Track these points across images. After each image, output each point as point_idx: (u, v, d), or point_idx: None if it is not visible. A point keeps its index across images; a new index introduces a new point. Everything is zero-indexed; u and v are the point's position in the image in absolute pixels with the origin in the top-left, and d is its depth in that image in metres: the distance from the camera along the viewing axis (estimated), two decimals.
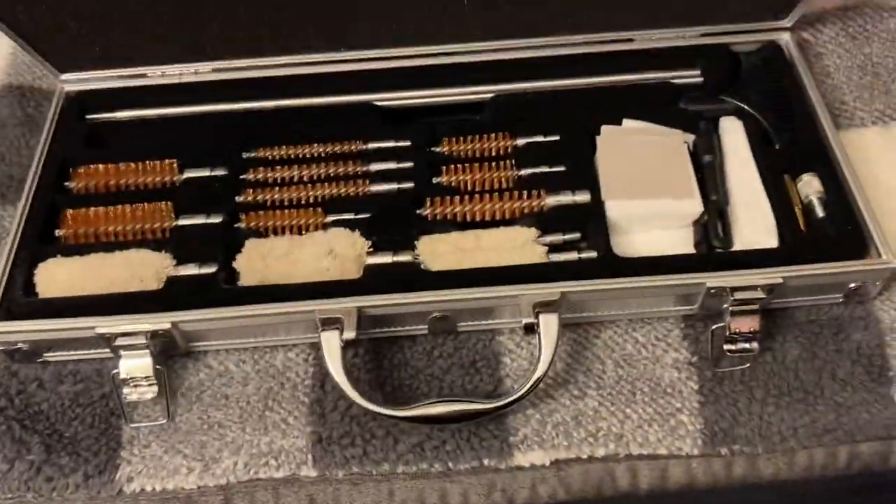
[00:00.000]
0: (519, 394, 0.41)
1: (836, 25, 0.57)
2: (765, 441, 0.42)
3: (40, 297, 0.44)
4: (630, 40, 0.53)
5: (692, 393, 0.43)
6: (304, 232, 0.46)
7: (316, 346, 0.45)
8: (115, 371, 0.43)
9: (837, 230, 0.45)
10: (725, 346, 0.43)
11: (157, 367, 0.43)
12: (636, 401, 0.43)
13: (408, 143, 0.49)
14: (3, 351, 0.44)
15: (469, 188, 0.48)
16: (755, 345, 0.43)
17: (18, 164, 0.53)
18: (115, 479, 0.42)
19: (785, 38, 0.53)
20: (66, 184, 0.49)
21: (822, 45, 0.56)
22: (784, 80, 0.51)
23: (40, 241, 0.46)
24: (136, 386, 0.43)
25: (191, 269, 0.45)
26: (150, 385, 0.43)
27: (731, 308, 0.42)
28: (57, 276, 0.45)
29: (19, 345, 0.44)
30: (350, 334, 0.42)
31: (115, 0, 0.49)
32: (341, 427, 0.42)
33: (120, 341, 0.42)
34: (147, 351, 0.42)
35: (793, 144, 0.48)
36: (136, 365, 0.42)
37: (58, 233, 0.47)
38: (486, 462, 0.42)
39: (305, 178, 0.48)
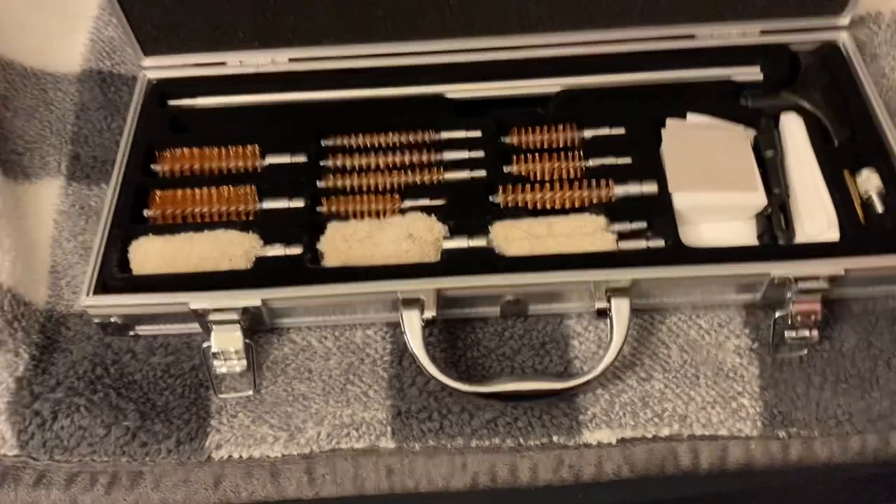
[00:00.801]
0: (593, 374, 0.43)
1: (891, 28, 0.58)
2: (821, 425, 0.44)
3: (134, 273, 0.47)
4: (692, 37, 0.55)
5: (753, 378, 0.45)
6: (382, 217, 0.48)
7: (393, 325, 0.47)
8: (206, 345, 0.45)
9: None
10: (787, 334, 0.45)
11: (247, 341, 0.45)
12: (700, 384, 0.45)
13: (478, 134, 0.51)
14: (97, 324, 0.47)
15: (539, 177, 0.50)
16: (815, 333, 0.45)
17: (101, 145, 0.55)
18: (204, 447, 0.44)
19: (842, 38, 0.55)
20: (153, 166, 0.51)
21: (877, 46, 0.58)
22: (842, 79, 0.53)
23: (131, 220, 0.49)
24: (226, 359, 0.45)
25: (277, 250, 0.47)
26: (239, 359, 0.45)
27: (793, 297, 0.44)
28: (150, 254, 0.47)
29: (113, 318, 0.46)
30: (430, 314, 0.44)
31: None
32: (419, 402, 0.45)
33: (212, 317, 0.44)
34: (238, 326, 0.45)
35: (851, 141, 0.50)
36: (227, 339, 0.45)
37: (147, 213, 0.49)
38: (555, 439, 0.44)
39: (382, 166, 0.50)
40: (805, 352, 0.46)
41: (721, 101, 0.52)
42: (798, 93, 0.52)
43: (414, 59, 0.54)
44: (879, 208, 0.47)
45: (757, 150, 0.50)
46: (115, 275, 0.46)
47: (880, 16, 0.58)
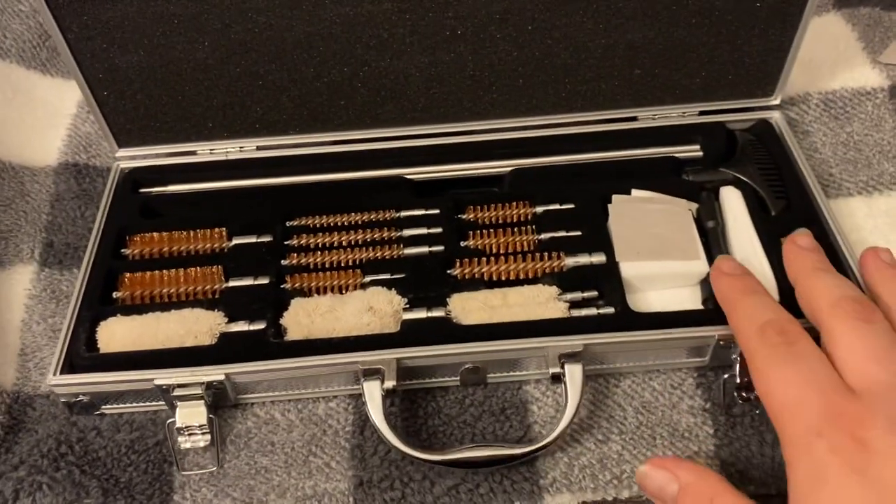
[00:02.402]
0: (550, 438, 0.44)
1: (820, 107, 0.63)
2: (777, 481, 0.45)
3: (101, 352, 0.48)
4: (634, 118, 0.59)
5: (708, 437, 0.46)
6: (344, 291, 0.50)
7: (355, 397, 0.48)
8: (170, 420, 0.46)
9: None
10: (736, 393, 0.46)
11: (210, 416, 0.46)
12: (656, 444, 0.46)
13: (437, 212, 0.54)
14: (64, 403, 0.47)
15: (494, 251, 0.52)
16: None
17: (74, 233, 0.57)
18: None
19: (775, 117, 0.59)
20: (123, 250, 0.53)
21: (807, 123, 0.62)
22: (776, 153, 0.56)
23: (100, 302, 0.50)
24: (190, 434, 0.46)
25: (241, 326, 0.48)
26: (203, 434, 0.46)
27: (738, 358, 0.46)
28: (116, 333, 0.48)
29: (80, 396, 0.47)
30: (390, 383, 0.45)
31: (184, 81, 0.54)
32: (381, 471, 0.45)
33: (177, 392, 0.45)
34: (202, 401, 0.45)
35: (787, 211, 0.53)
36: (191, 414, 0.45)
37: (116, 295, 0.51)
38: None
39: (344, 243, 0.53)
40: (757, 411, 0.47)
41: (663, 177, 0.56)
42: (736, 167, 0.55)
43: (375, 144, 0.58)
44: None
45: (699, 221, 0.53)
46: (82, 354, 0.47)
47: (809, 96, 0.63)
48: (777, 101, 0.59)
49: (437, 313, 0.48)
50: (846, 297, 0.35)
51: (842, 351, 0.33)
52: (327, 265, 0.52)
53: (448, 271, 0.51)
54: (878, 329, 0.34)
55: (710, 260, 0.50)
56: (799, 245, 0.40)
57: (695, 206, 0.54)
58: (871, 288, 0.40)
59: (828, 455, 0.30)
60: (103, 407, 0.48)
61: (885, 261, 0.40)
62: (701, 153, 0.57)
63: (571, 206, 0.54)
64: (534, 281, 0.50)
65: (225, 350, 0.47)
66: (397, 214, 0.54)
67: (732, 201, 0.53)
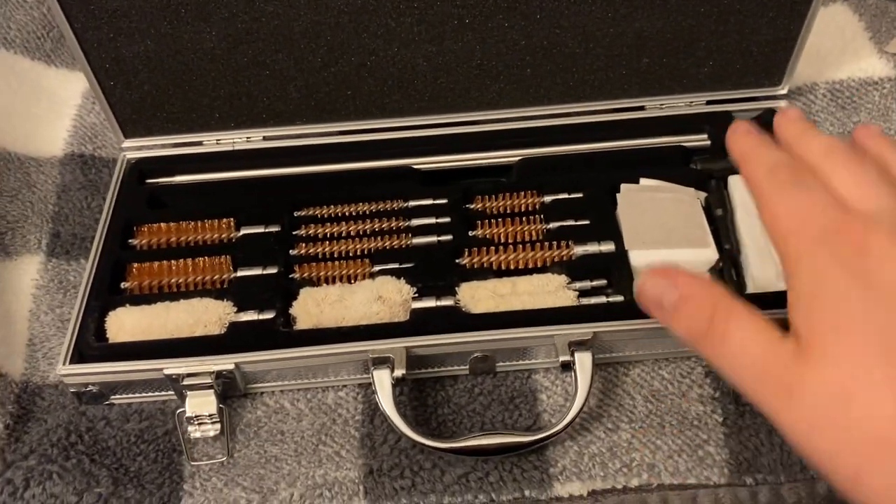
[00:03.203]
0: (560, 426, 0.44)
1: (827, 97, 0.63)
2: (786, 470, 0.45)
3: (110, 342, 0.48)
4: (642, 108, 0.59)
5: (717, 425, 0.46)
6: (353, 281, 0.50)
7: (364, 386, 0.49)
8: (180, 410, 0.46)
9: None
10: None
11: (220, 405, 0.46)
12: (665, 433, 0.46)
13: (444, 201, 0.54)
14: (73, 393, 0.47)
15: (502, 240, 0.52)
16: None
17: (81, 224, 0.57)
18: None
19: (782, 106, 0.59)
20: (130, 241, 0.53)
21: (815, 113, 0.62)
22: None
23: (109, 292, 0.50)
24: (200, 424, 0.46)
25: (250, 316, 0.48)
26: (213, 423, 0.46)
27: None
28: (126, 323, 0.48)
29: (90, 386, 0.47)
30: (400, 372, 0.45)
31: (191, 71, 0.54)
32: (391, 459, 0.45)
33: (187, 381, 0.45)
34: (212, 390, 0.45)
35: None
36: (201, 403, 0.45)
37: (124, 285, 0.51)
38: (527, 493, 0.44)
39: (353, 233, 0.53)
40: None
41: (672, 166, 0.56)
42: None
43: (382, 134, 0.58)
44: None
45: (707, 209, 0.53)
46: (91, 344, 0.47)
47: (816, 86, 0.63)
48: (784, 91, 0.59)
49: (446, 302, 0.48)
50: (837, 146, 0.36)
51: (837, 182, 0.34)
52: (336, 255, 0.52)
53: (457, 260, 0.51)
54: (871, 163, 0.35)
55: (719, 248, 0.50)
56: (789, 117, 0.40)
57: (703, 194, 0.54)
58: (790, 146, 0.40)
59: (829, 262, 0.31)
60: (112, 397, 0.48)
61: (873, 131, 0.39)
62: (709, 142, 0.57)
63: (580, 195, 0.54)
64: (542, 270, 0.50)
65: (234, 339, 0.47)
66: (405, 204, 0.54)
67: (741, 190, 0.53)
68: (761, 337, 0.32)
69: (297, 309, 0.48)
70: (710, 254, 0.50)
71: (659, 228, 0.51)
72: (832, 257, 0.31)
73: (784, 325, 0.32)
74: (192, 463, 0.46)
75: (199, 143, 0.58)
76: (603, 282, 0.49)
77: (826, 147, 0.36)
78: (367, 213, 0.54)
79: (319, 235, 0.53)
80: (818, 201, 0.33)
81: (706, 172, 0.55)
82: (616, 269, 0.49)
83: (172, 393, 0.47)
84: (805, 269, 0.32)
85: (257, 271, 0.51)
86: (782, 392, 0.30)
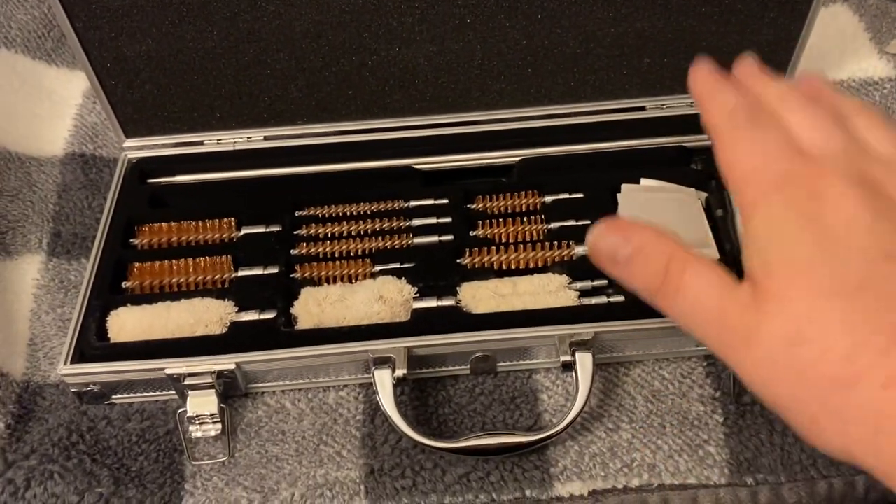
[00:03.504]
0: (561, 426, 0.44)
1: None
2: (787, 470, 0.45)
3: (112, 341, 0.48)
4: (643, 108, 0.59)
5: (718, 425, 0.46)
6: (354, 281, 0.50)
7: (365, 386, 0.49)
8: (181, 410, 0.46)
9: None
10: None
11: (222, 405, 0.46)
12: (666, 433, 0.46)
13: (445, 201, 0.54)
14: (74, 392, 0.47)
15: (503, 240, 0.52)
16: None
17: (82, 223, 0.57)
18: None
19: None
20: (132, 240, 0.53)
21: None
22: None
23: (110, 292, 0.50)
24: (201, 423, 0.46)
25: (252, 315, 0.48)
26: (214, 423, 0.46)
27: None
28: (127, 323, 0.48)
29: (91, 386, 0.47)
30: (401, 372, 0.45)
31: (192, 70, 0.54)
32: (392, 459, 0.45)
33: (188, 381, 0.45)
34: (213, 390, 0.45)
35: None
36: (202, 403, 0.45)
37: (125, 284, 0.51)
38: (528, 493, 0.44)
39: (354, 233, 0.53)
40: None
41: (672, 166, 0.56)
42: None
43: (383, 134, 0.58)
44: None
45: (708, 210, 0.53)
46: (92, 343, 0.47)
47: None
48: None
49: (448, 302, 0.48)
50: (793, 90, 0.36)
51: (794, 126, 0.34)
52: (337, 254, 0.52)
53: (458, 260, 0.51)
54: (825, 106, 0.35)
55: (720, 249, 0.50)
56: (747, 65, 0.39)
57: (704, 194, 0.54)
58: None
59: (784, 207, 0.31)
60: (113, 396, 0.48)
61: (819, 82, 0.39)
62: (710, 142, 0.57)
63: (581, 195, 0.54)
64: (543, 270, 0.50)
65: (235, 339, 0.47)
66: (406, 204, 0.54)
67: None
68: (716, 286, 0.32)
69: (298, 309, 0.48)
70: (711, 254, 0.50)
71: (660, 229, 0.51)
72: (787, 202, 0.31)
73: (741, 275, 0.32)
74: (194, 463, 0.46)
75: (201, 143, 0.58)
76: (604, 282, 0.49)
77: (783, 91, 0.36)
78: (368, 212, 0.54)
79: (320, 235, 0.53)
80: (774, 145, 0.33)
81: (707, 173, 0.55)
82: None
83: (174, 393, 0.47)
84: (760, 215, 0.32)
85: (258, 271, 0.51)
86: (740, 340, 0.30)
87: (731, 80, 0.38)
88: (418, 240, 0.52)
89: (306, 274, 0.50)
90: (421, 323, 0.47)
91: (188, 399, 0.46)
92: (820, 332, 0.28)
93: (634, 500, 0.45)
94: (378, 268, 0.51)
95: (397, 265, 0.50)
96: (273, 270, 0.51)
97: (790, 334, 0.29)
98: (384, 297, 0.48)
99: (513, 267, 0.50)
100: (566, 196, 0.54)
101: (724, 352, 0.31)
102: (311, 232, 0.53)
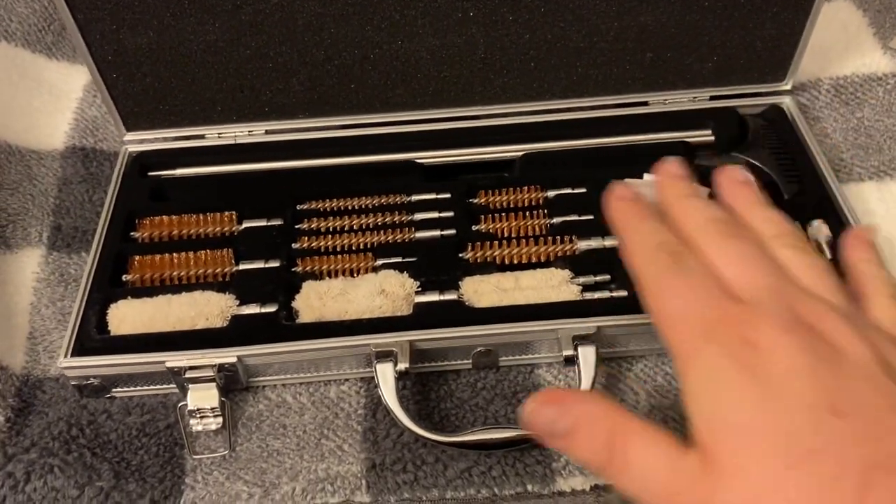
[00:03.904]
0: None
1: (830, 93, 0.63)
2: None
3: (112, 334, 0.48)
4: (645, 103, 0.59)
5: None
6: (356, 275, 0.50)
7: (366, 380, 0.48)
8: (181, 403, 0.46)
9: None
10: None
11: (222, 399, 0.46)
12: (669, 428, 0.46)
13: (448, 196, 0.54)
14: (74, 386, 0.47)
15: (506, 234, 0.52)
16: None
17: (82, 217, 0.57)
18: None
19: (786, 102, 0.59)
20: (132, 234, 0.53)
21: (818, 109, 0.62)
22: (787, 138, 0.56)
23: (111, 285, 0.50)
24: (202, 417, 0.46)
25: (253, 309, 0.48)
26: (215, 416, 0.45)
27: None
28: (127, 316, 0.48)
29: (91, 379, 0.47)
30: (403, 366, 0.45)
31: (193, 63, 0.54)
32: (393, 454, 0.45)
33: (189, 374, 0.45)
34: (214, 383, 0.45)
35: (800, 195, 0.53)
36: (203, 396, 0.45)
37: (126, 277, 0.51)
38: (529, 488, 0.44)
39: (356, 227, 0.52)
40: None
41: None
42: (748, 152, 0.55)
43: (385, 128, 0.57)
44: (828, 255, 0.50)
45: None
46: (93, 336, 0.47)
47: (820, 82, 0.63)
48: (788, 87, 0.59)
49: (450, 296, 0.48)
50: (714, 218, 0.35)
51: (718, 265, 0.33)
52: (338, 248, 0.51)
53: (460, 255, 0.51)
54: (749, 240, 0.34)
55: None
56: (668, 173, 0.40)
57: (707, 190, 0.53)
58: (728, 204, 0.39)
59: (719, 358, 0.30)
60: (114, 390, 0.48)
61: (736, 178, 0.40)
62: (712, 138, 0.57)
63: (583, 190, 0.53)
64: (546, 264, 0.50)
65: (237, 332, 0.47)
66: (408, 198, 0.54)
67: None
68: (663, 456, 0.30)
69: (299, 302, 0.48)
70: None
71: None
72: (721, 353, 0.30)
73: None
74: (194, 456, 0.46)
75: (202, 137, 0.58)
76: (606, 277, 0.49)
77: (704, 219, 0.35)
78: (370, 207, 0.54)
79: (322, 229, 0.52)
80: (701, 290, 0.32)
81: (710, 168, 0.54)
82: (620, 265, 0.49)
83: (174, 386, 0.47)
84: (696, 369, 0.30)
85: (259, 264, 0.50)
86: None
87: (649, 207, 0.37)
88: (420, 234, 0.52)
89: (308, 268, 0.50)
90: (423, 317, 0.47)
91: (189, 392, 0.45)
92: None
93: None
94: (380, 262, 0.50)
95: (399, 259, 0.50)
96: (274, 264, 0.50)
97: None
98: (386, 290, 0.48)
99: (515, 262, 0.50)
100: (569, 191, 0.54)
101: None
102: (313, 226, 0.53)
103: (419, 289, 0.49)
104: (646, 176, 0.54)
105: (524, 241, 0.51)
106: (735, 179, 0.39)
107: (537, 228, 0.52)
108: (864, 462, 0.27)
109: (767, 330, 0.30)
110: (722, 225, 0.35)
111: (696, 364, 0.30)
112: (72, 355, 0.46)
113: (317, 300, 0.48)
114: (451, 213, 0.53)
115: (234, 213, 0.53)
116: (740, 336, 0.30)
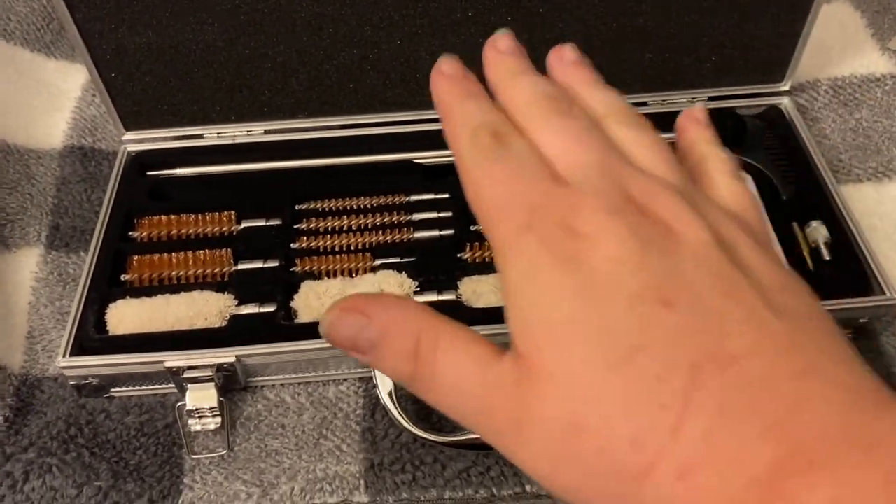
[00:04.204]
0: None
1: (829, 94, 0.63)
2: None
3: (111, 334, 0.48)
4: (644, 104, 0.59)
5: None
6: (354, 275, 0.50)
7: (365, 380, 0.48)
8: (180, 403, 0.46)
9: (843, 271, 0.49)
10: None
11: (221, 399, 0.46)
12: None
13: (446, 196, 0.54)
14: (73, 386, 0.47)
15: None
16: None
17: (81, 216, 0.57)
18: None
19: (784, 103, 0.59)
20: (131, 233, 0.53)
21: (817, 110, 0.62)
22: (786, 139, 0.56)
23: (109, 285, 0.50)
24: (200, 417, 0.46)
25: (251, 309, 0.48)
26: (213, 416, 0.46)
27: None
28: (126, 316, 0.48)
29: (90, 379, 0.47)
30: None
31: (192, 63, 0.54)
32: (392, 454, 0.45)
33: (187, 374, 0.45)
34: (212, 383, 0.45)
35: (798, 196, 0.53)
36: (202, 396, 0.45)
37: (124, 277, 0.51)
38: (528, 488, 0.44)
39: (354, 227, 0.52)
40: None
41: None
42: (746, 153, 0.55)
43: (384, 128, 0.57)
44: (826, 256, 0.50)
45: None
46: (91, 336, 0.47)
47: (818, 83, 0.63)
48: (787, 88, 0.59)
49: (448, 296, 0.48)
50: (541, 94, 0.31)
51: (544, 143, 0.29)
52: (337, 248, 0.51)
53: (458, 255, 0.51)
54: (578, 115, 0.30)
55: None
56: (498, 49, 0.34)
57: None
58: (561, 84, 0.35)
59: (537, 249, 0.26)
60: (112, 389, 0.48)
61: (568, 58, 0.35)
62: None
63: None
64: None
65: (235, 332, 0.47)
66: (407, 198, 0.54)
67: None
68: (474, 363, 0.26)
69: (298, 302, 0.48)
70: None
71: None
72: (540, 243, 0.26)
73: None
74: (193, 456, 0.46)
75: (200, 137, 0.58)
76: None
77: (533, 95, 0.31)
78: (369, 207, 0.54)
79: (321, 229, 0.52)
80: (523, 174, 0.28)
81: None
82: None
83: (173, 386, 0.47)
84: (512, 262, 0.26)
85: (258, 264, 0.50)
86: (510, 426, 0.25)
87: (476, 84, 0.32)
88: (419, 234, 0.52)
89: (306, 268, 0.50)
90: None
91: (187, 392, 0.45)
92: (599, 415, 0.23)
93: None
94: (378, 262, 0.50)
95: (398, 259, 0.50)
96: (273, 264, 0.50)
97: (565, 421, 0.24)
98: (384, 291, 0.48)
99: None
100: None
101: (497, 441, 0.26)
102: (312, 226, 0.53)
103: (418, 289, 0.49)
104: None
105: None
106: (566, 59, 0.35)
107: None
108: (694, 357, 0.23)
109: (590, 213, 0.26)
110: (552, 101, 0.30)
111: (513, 257, 0.26)
112: (70, 355, 0.46)
113: (315, 300, 0.48)
114: (449, 214, 0.53)
115: (232, 212, 0.53)
116: (561, 222, 0.26)
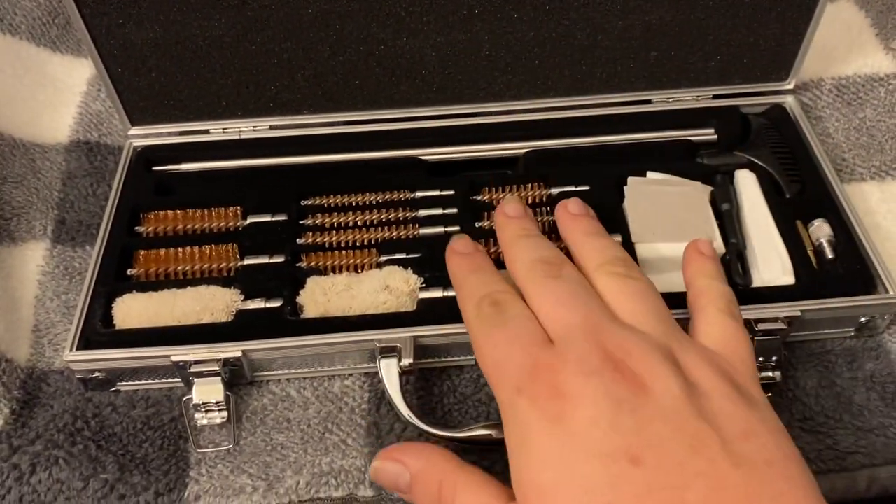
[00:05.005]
0: None
1: (833, 93, 0.63)
2: None
3: (117, 328, 0.48)
4: (649, 101, 0.59)
5: None
6: (360, 270, 0.50)
7: (370, 375, 0.49)
8: (186, 397, 0.46)
9: (847, 270, 0.49)
10: None
11: (227, 393, 0.46)
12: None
13: (451, 192, 0.54)
14: (79, 379, 0.47)
15: None
16: (778, 374, 0.46)
17: (87, 210, 0.57)
18: (183, 498, 0.44)
19: (789, 101, 0.59)
20: (137, 228, 0.53)
21: (820, 109, 0.62)
22: (790, 138, 0.56)
23: (115, 279, 0.50)
24: (206, 411, 0.46)
25: (258, 304, 0.48)
26: (220, 410, 0.46)
27: (755, 339, 0.46)
28: (132, 310, 0.48)
29: (96, 373, 0.47)
30: (407, 361, 0.45)
31: (199, 58, 0.54)
32: None
33: (194, 368, 0.45)
34: (219, 378, 0.45)
35: (802, 194, 0.53)
36: (208, 391, 0.45)
37: (130, 272, 0.51)
38: None
39: (360, 223, 0.53)
40: (769, 394, 0.47)
41: (678, 160, 0.56)
42: (750, 151, 0.56)
43: (389, 124, 0.58)
44: (830, 255, 0.50)
45: (714, 204, 0.53)
46: (98, 330, 0.47)
47: (822, 82, 0.63)
48: (791, 86, 0.59)
49: (453, 293, 0.48)
50: (537, 260, 0.36)
51: (536, 307, 0.34)
52: (343, 244, 0.52)
53: None
54: (567, 278, 0.35)
55: (725, 242, 0.50)
56: (505, 214, 0.41)
57: (710, 188, 0.54)
58: (563, 237, 0.42)
59: (528, 410, 0.30)
60: (119, 383, 0.48)
61: (570, 211, 0.41)
62: (715, 136, 0.57)
63: (587, 187, 0.54)
64: None
65: (241, 327, 0.47)
66: (412, 195, 0.54)
67: (748, 184, 0.54)
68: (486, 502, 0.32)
69: (304, 297, 0.48)
70: (716, 248, 0.50)
71: (666, 222, 0.51)
72: (531, 405, 0.30)
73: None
74: (198, 450, 0.46)
75: (206, 132, 0.58)
76: None
77: (530, 260, 0.36)
78: (374, 203, 0.54)
79: (326, 225, 0.53)
80: (518, 339, 0.32)
81: (713, 167, 0.55)
82: None
83: (179, 380, 0.47)
84: (510, 422, 0.31)
85: (264, 260, 0.51)
86: None
87: (482, 258, 0.39)
88: (424, 230, 0.52)
89: (312, 263, 0.50)
90: (427, 313, 0.47)
91: (194, 386, 0.46)
92: None
93: None
94: (384, 258, 0.51)
95: (403, 255, 0.50)
96: (279, 259, 0.51)
97: None
98: (390, 286, 0.48)
99: None
100: (572, 188, 0.54)
101: None
102: (318, 221, 0.53)
103: (423, 285, 0.49)
104: (649, 174, 0.54)
105: None
106: (569, 212, 0.41)
107: (540, 225, 0.52)
108: None
109: (570, 375, 0.30)
110: (546, 266, 0.35)
111: (510, 419, 0.31)
112: (77, 349, 0.46)
113: (321, 295, 0.48)
114: (454, 210, 0.53)
115: (238, 207, 0.53)
116: (548, 385, 0.30)
